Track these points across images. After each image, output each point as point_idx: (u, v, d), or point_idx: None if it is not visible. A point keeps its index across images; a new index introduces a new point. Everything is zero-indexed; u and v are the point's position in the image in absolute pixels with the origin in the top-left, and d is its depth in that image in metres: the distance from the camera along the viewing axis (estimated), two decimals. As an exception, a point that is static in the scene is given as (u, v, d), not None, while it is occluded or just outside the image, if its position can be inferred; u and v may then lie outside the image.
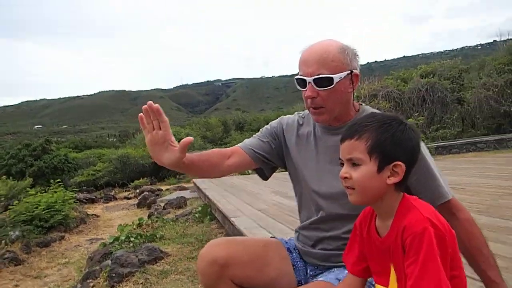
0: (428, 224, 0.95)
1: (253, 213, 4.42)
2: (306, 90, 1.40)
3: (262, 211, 4.53)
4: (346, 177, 1.04)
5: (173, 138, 1.32)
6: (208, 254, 1.47)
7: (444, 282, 0.93)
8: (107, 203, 13.03)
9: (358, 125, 1.05)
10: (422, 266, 0.93)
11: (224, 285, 1.46)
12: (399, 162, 0.99)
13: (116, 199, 13.91)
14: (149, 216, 7.13)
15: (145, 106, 1.29)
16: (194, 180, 12.50)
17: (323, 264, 1.52)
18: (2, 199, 10.56)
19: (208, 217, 5.86)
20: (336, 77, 1.36)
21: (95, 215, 10.17)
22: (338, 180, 1.09)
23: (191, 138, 1.30)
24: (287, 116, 1.69)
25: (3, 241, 7.11)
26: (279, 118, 1.69)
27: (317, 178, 1.50)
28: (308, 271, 1.57)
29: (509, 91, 12.36)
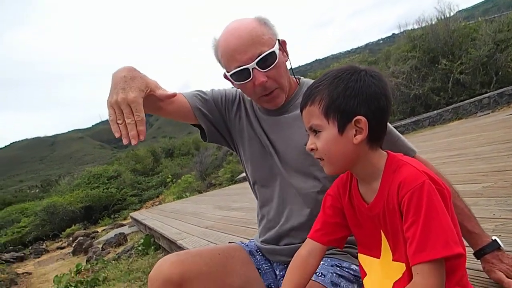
0: (425, 177, 0.84)
1: (201, 232, 4.20)
2: (251, 79, 1.24)
3: (209, 227, 4.32)
4: (312, 149, 0.92)
5: None
6: (159, 275, 1.22)
7: (452, 239, 0.79)
8: (39, 257, 11.88)
9: (311, 88, 0.94)
10: (425, 225, 0.79)
11: None
12: (359, 117, 0.86)
13: (48, 251, 12.75)
14: (87, 261, 6.56)
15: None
16: (130, 214, 11.88)
17: None
18: None
19: (153, 247, 5.52)
20: (276, 50, 1.25)
21: (26, 273, 9.21)
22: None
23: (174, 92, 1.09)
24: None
25: None
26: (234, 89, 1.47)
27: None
28: (277, 272, 1.39)
29: (415, 75, 13.25)
